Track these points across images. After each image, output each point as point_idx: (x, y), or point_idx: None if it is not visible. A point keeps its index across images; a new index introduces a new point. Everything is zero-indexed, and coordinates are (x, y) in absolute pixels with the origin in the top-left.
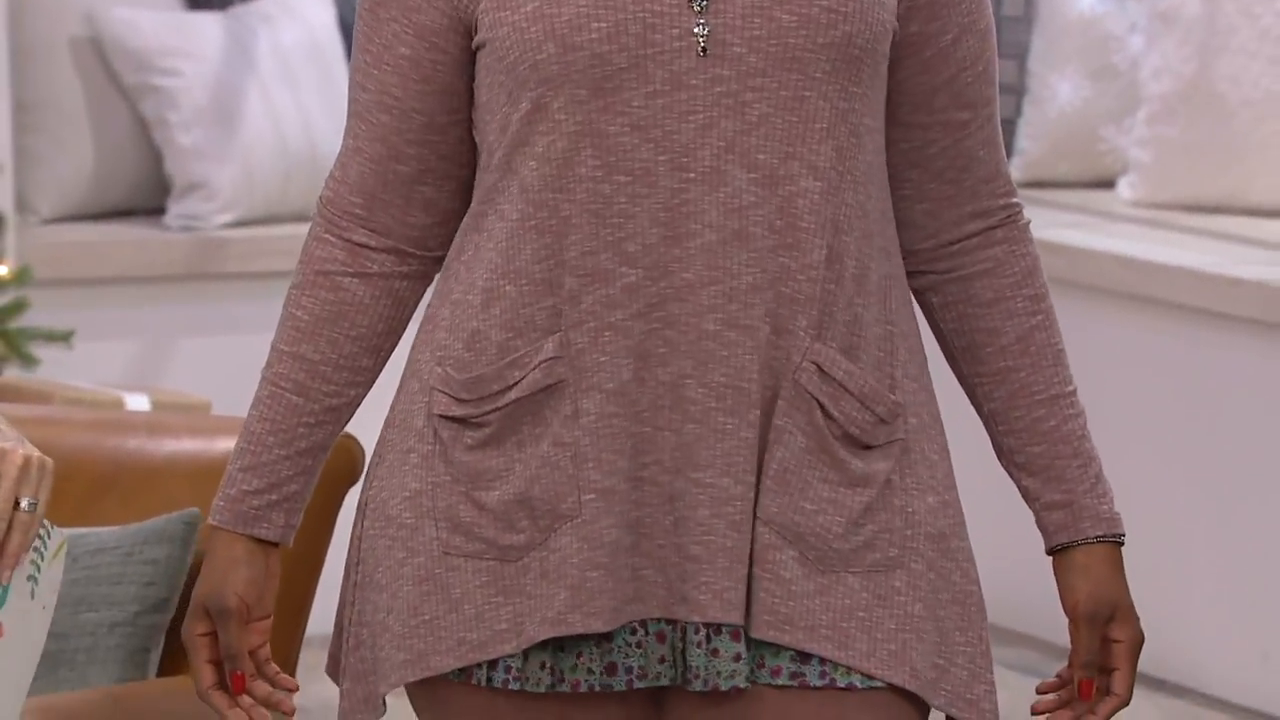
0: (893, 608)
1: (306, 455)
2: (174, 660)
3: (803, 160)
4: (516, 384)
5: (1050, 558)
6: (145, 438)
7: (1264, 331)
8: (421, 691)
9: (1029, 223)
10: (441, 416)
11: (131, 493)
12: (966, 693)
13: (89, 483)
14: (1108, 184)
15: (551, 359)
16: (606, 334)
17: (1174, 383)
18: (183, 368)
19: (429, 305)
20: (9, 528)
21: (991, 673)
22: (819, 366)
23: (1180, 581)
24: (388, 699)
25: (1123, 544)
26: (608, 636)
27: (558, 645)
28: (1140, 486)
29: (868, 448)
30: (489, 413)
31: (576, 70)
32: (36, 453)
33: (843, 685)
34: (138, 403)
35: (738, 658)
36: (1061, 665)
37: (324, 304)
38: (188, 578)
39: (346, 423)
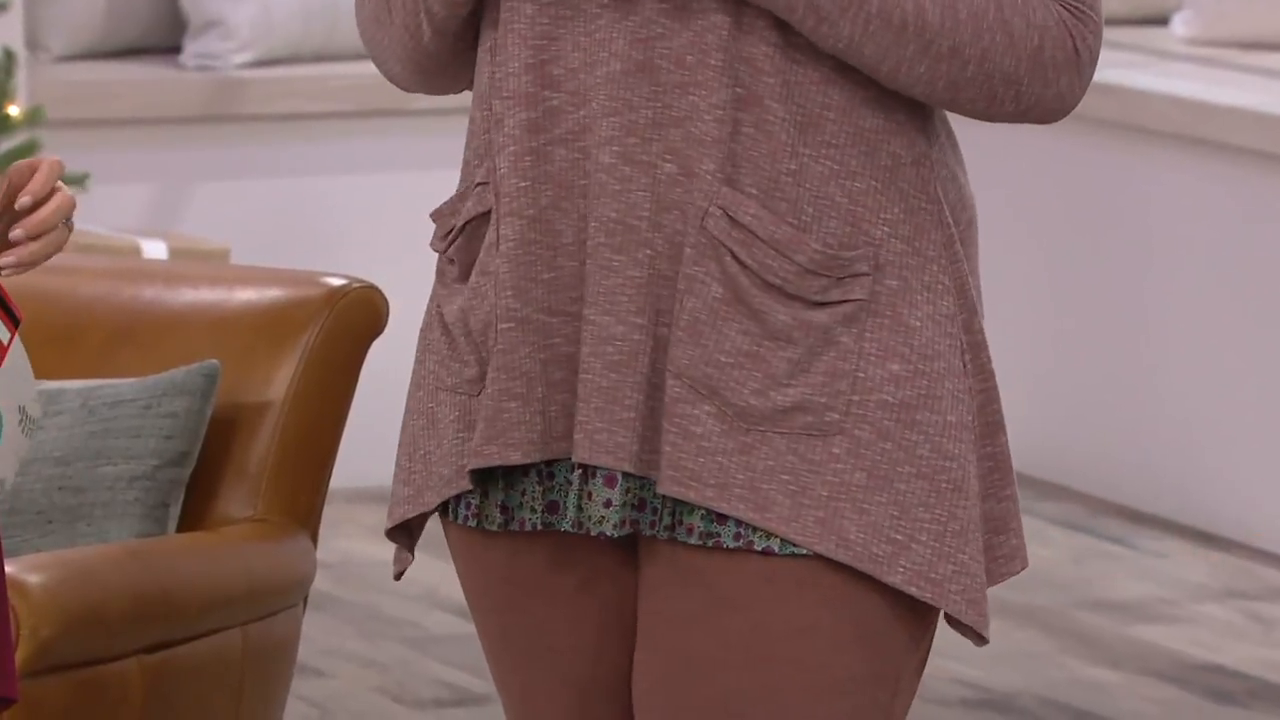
0: (826, 474)
1: None
2: (193, 515)
3: None
4: (461, 215)
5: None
6: (163, 287)
7: None
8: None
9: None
10: (439, 253)
11: (149, 344)
12: (930, 571)
13: (106, 334)
14: (1161, 21)
15: (480, 185)
16: (527, 159)
17: (1231, 228)
18: (200, 213)
19: None
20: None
21: (967, 554)
22: (725, 211)
23: (1231, 434)
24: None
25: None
26: (550, 474)
27: (508, 483)
28: (1193, 337)
29: (805, 301)
30: (449, 247)
31: None
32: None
33: (760, 549)
34: (155, 249)
35: (608, 504)
36: (1109, 520)
37: None
38: (207, 431)
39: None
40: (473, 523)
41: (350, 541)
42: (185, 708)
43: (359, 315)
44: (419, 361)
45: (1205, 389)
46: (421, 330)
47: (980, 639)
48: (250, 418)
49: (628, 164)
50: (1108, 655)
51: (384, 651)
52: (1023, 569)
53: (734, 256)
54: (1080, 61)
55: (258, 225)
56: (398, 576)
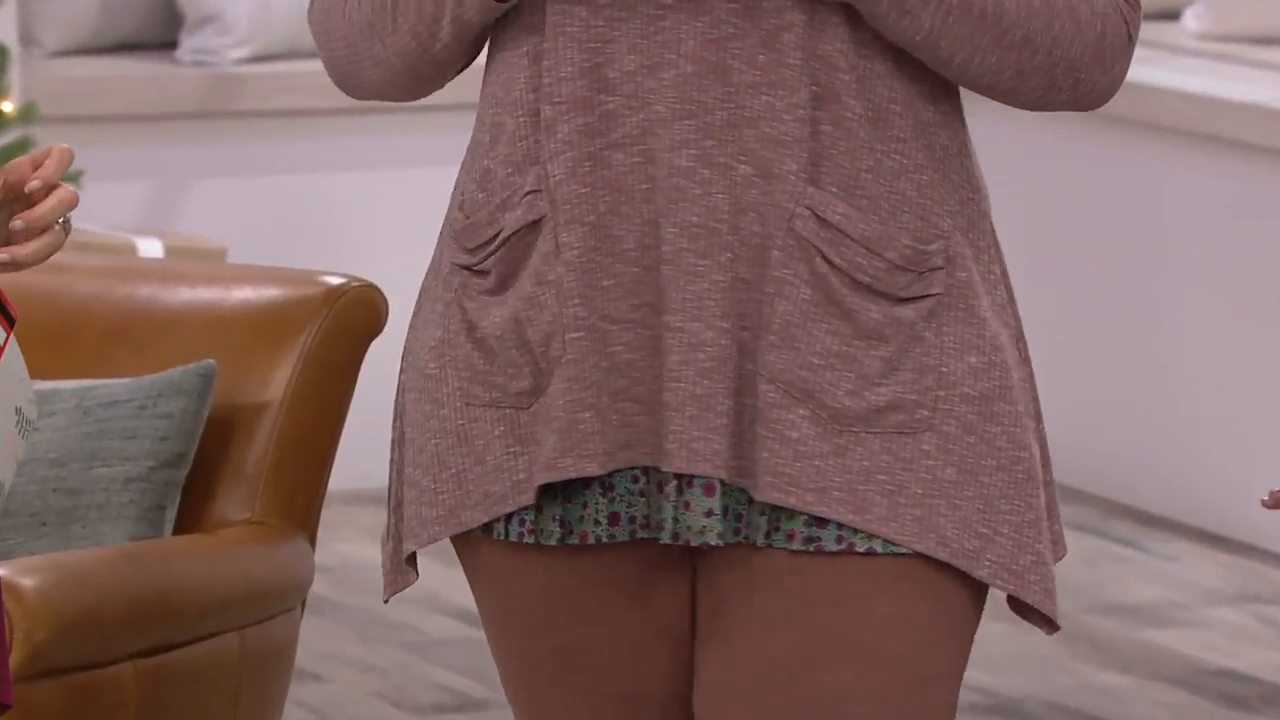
0: (919, 471)
1: None
2: (190, 518)
3: None
4: (505, 225)
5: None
6: (159, 286)
7: None
8: (461, 550)
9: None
10: (454, 264)
11: (145, 343)
12: (1012, 564)
13: (100, 333)
14: (1172, 15)
15: (532, 192)
16: (586, 164)
17: (1244, 227)
18: (197, 211)
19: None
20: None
21: (1043, 543)
22: (813, 211)
23: (1244, 435)
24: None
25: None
26: (610, 485)
27: (566, 496)
28: (1205, 336)
29: (892, 298)
30: (485, 259)
31: None
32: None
33: (862, 550)
34: (150, 248)
35: (709, 513)
36: (1120, 522)
37: None
38: (204, 432)
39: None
40: (530, 539)
41: (349, 544)
42: (181, 713)
43: (358, 314)
44: (432, 379)
45: (1217, 389)
46: (433, 347)
47: (1053, 626)
48: (247, 419)
49: (706, 167)
50: (1118, 660)
51: (383, 656)
52: (1064, 555)
53: (823, 257)
54: (1130, 47)
55: (255, 223)
56: (387, 600)
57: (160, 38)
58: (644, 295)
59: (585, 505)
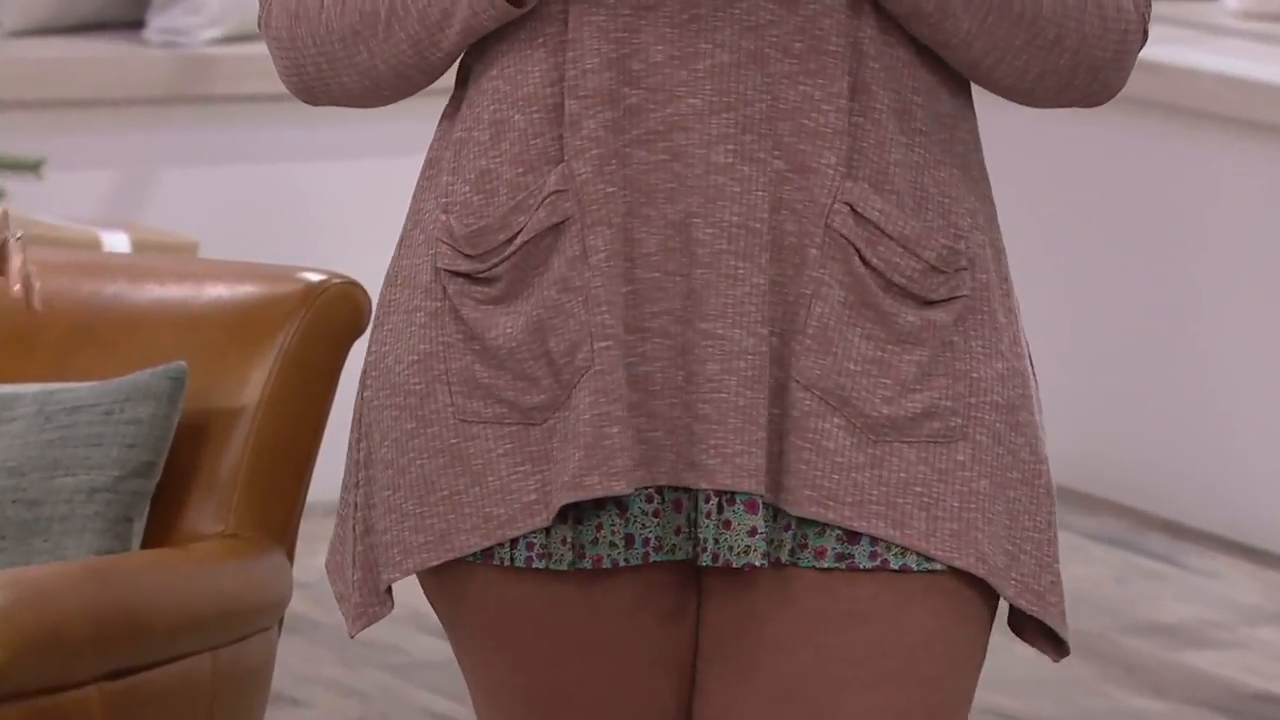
0: (955, 483)
1: None
2: (159, 530)
3: None
4: (522, 229)
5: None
6: (126, 283)
7: None
8: (435, 578)
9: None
10: (447, 270)
11: (111, 344)
12: (1034, 583)
13: (63, 333)
14: None
15: (555, 193)
16: (612, 162)
17: None
18: (166, 202)
19: (430, 149)
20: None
21: (1058, 562)
22: (851, 207)
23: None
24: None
25: None
26: (624, 506)
27: (576, 518)
28: (1244, 336)
29: (922, 300)
30: (496, 265)
31: None
32: None
33: (896, 567)
34: (117, 242)
35: (753, 532)
36: (1153, 535)
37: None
38: (174, 439)
39: None
40: (539, 563)
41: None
42: None
43: (338, 313)
44: (415, 396)
45: (1258, 390)
46: (416, 361)
47: (1063, 652)
48: (221, 424)
49: (746, 163)
50: (1152, 683)
51: (365, 678)
52: None
53: (860, 257)
54: (1143, 45)
55: (229, 215)
56: (354, 634)
57: (126, 17)
58: (664, 303)
59: (599, 527)
